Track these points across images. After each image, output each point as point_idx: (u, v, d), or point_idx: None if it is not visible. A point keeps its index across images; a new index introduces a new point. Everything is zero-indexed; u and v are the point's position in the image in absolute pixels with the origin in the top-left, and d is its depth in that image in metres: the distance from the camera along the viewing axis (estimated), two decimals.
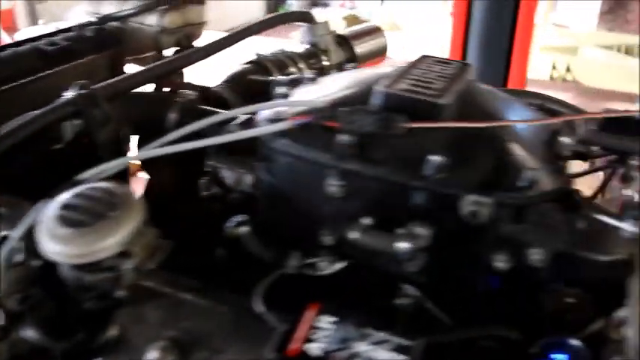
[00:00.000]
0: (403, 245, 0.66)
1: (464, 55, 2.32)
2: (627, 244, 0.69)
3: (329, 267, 0.74)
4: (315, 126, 0.70)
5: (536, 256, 0.67)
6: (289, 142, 0.72)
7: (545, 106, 0.91)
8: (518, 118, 0.78)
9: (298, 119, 0.70)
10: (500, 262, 0.68)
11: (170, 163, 0.95)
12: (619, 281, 0.69)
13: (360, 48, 1.45)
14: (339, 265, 0.75)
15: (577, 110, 0.96)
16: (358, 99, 0.74)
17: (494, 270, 0.69)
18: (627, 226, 0.68)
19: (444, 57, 0.86)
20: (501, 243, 0.68)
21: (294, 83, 0.88)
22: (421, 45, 4.03)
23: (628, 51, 4.27)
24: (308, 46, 1.38)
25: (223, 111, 0.86)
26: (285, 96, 0.82)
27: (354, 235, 0.68)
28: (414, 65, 0.81)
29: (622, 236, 0.68)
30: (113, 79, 0.94)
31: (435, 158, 0.66)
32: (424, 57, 0.86)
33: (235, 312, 0.71)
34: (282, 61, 1.27)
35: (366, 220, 0.69)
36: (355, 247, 0.70)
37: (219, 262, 0.82)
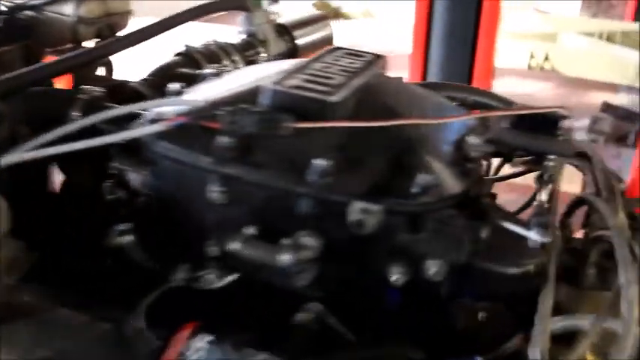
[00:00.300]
0: (286, 257, 0.61)
1: (427, 45, 2.27)
2: (535, 254, 0.64)
3: (218, 280, 0.69)
4: (195, 127, 0.65)
5: (433, 268, 0.62)
6: (168, 145, 0.67)
7: (468, 100, 0.86)
8: (430, 114, 0.73)
9: (175, 120, 0.65)
10: (396, 275, 0.64)
11: (82, 162, 0.90)
12: (534, 295, 0.65)
13: (303, 38, 1.40)
14: (230, 278, 0.70)
15: (508, 104, 0.92)
16: (249, 97, 0.69)
17: (391, 284, 0.64)
18: (533, 235, 0.63)
19: (357, 49, 0.81)
20: (396, 254, 0.64)
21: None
22: (395, 33, 3.97)
23: (610, 38, 4.20)
24: (245, 37, 1.32)
25: (118, 106, 0.81)
26: (178, 94, 0.76)
27: (234, 245, 0.63)
28: (318, 58, 0.76)
29: (530, 246, 0.64)
30: (8, 75, 0.88)
31: (319, 162, 0.61)
32: (334, 49, 0.81)
33: (115, 329, 0.67)
34: (213, 53, 1.21)
35: (250, 230, 0.65)
36: (238, 259, 0.66)
37: (108, 273, 0.77)
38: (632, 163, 3.07)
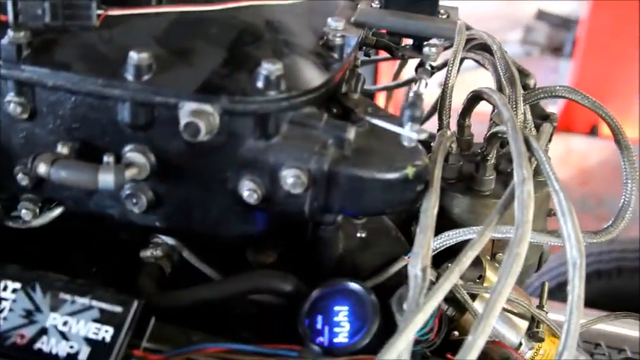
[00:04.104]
0: (108, 178, 0.53)
1: None
2: (413, 155, 0.58)
3: (34, 217, 0.60)
4: None
5: (289, 179, 0.55)
6: None
7: None
8: None
9: None
10: (247, 190, 0.56)
11: None
12: (416, 204, 0.59)
13: None
14: (54, 214, 0.61)
15: None
16: None
17: (246, 203, 0.57)
18: (407, 132, 0.56)
19: None
20: (246, 166, 0.56)
21: None
22: None
23: None
24: None
25: None
26: None
27: (42, 169, 0.54)
28: None
29: (406, 146, 0.57)
30: None
31: (138, 54, 0.53)
32: None
33: None
34: None
35: (64, 149, 0.56)
36: (53, 187, 0.57)
37: None
38: (570, 75, 3.09)
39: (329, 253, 0.65)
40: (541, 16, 3.52)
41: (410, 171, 0.57)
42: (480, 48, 0.85)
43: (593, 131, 3.01)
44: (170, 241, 0.66)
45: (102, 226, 0.63)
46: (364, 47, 0.75)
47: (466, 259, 0.54)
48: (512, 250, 0.53)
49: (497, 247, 0.75)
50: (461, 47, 0.77)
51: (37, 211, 0.60)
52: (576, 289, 0.54)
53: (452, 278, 0.52)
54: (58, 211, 0.61)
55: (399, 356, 0.47)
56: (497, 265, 0.72)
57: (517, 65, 0.89)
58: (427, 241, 0.55)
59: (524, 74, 0.88)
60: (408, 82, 1.02)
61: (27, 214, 0.60)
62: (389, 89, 1.04)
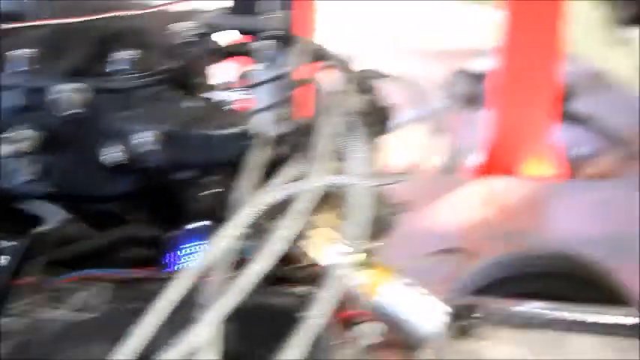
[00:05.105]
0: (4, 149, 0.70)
1: None
2: (238, 120, 0.77)
3: None
4: None
5: (139, 139, 0.73)
6: None
7: None
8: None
9: None
10: (109, 153, 0.73)
11: None
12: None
13: None
14: None
15: None
16: None
17: (113, 166, 0.74)
18: (225, 97, 0.76)
19: None
20: (109, 134, 0.74)
21: None
22: None
23: None
24: None
25: None
26: None
27: None
28: None
29: (232, 113, 0.77)
30: None
31: (20, 52, 0.71)
32: None
33: None
34: None
35: None
36: None
37: None
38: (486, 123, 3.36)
39: (191, 209, 0.82)
40: (459, 73, 3.85)
41: (234, 130, 0.76)
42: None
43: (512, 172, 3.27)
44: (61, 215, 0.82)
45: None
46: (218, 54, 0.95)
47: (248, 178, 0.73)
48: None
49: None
50: (295, 54, 0.96)
51: None
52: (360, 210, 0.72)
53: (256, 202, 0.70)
54: None
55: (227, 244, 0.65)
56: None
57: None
58: (251, 176, 0.73)
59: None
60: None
61: None
62: None
